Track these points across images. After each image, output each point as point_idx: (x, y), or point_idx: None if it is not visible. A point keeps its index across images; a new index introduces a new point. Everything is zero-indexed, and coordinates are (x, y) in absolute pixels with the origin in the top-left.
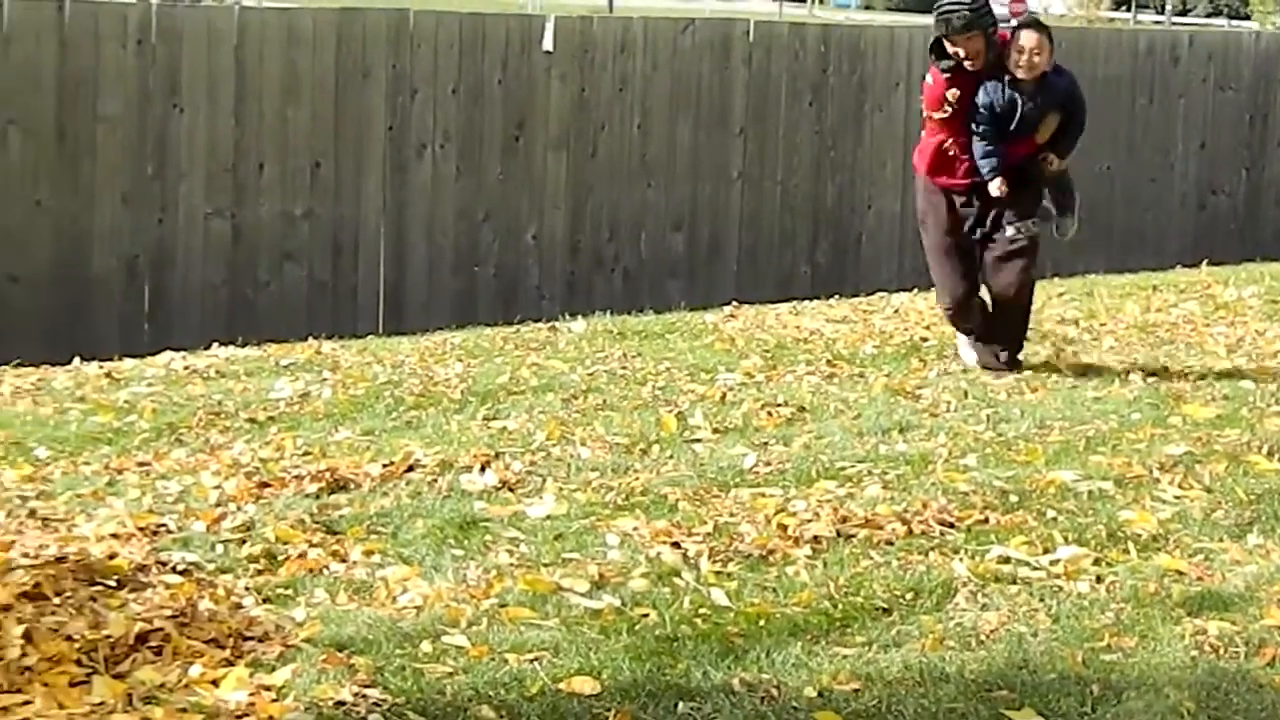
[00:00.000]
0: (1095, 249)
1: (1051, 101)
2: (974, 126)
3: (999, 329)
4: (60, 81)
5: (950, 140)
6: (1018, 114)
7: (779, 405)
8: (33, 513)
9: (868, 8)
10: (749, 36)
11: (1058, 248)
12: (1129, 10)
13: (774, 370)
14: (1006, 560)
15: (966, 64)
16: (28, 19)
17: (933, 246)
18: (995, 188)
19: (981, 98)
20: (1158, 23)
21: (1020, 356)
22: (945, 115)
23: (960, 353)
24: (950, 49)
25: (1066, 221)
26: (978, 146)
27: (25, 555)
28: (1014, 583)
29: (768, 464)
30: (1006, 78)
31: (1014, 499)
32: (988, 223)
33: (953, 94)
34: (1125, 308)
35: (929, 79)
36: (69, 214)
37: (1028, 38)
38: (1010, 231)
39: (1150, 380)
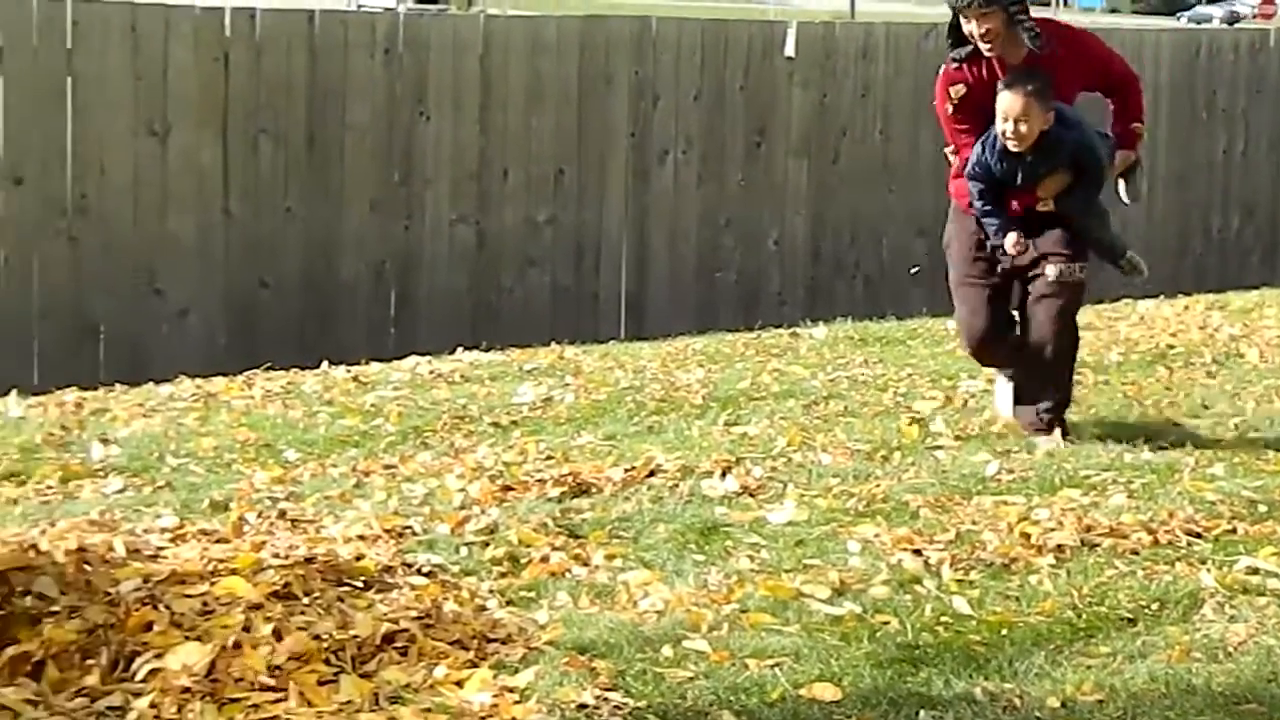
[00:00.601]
0: None
1: (1057, 161)
2: (970, 183)
3: (1037, 381)
4: (310, 90)
5: (958, 158)
6: (1018, 179)
7: None
8: (282, 514)
9: (1113, 11)
10: None
11: None
12: None
13: None
14: (1255, 571)
15: (982, 46)
16: (279, 29)
17: (953, 279)
18: (1011, 245)
19: (977, 153)
20: None
21: (1065, 417)
22: (950, 115)
23: (996, 403)
24: (965, 27)
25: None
26: (976, 205)
27: (275, 555)
28: (1262, 594)
29: (1010, 471)
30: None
31: (1263, 509)
32: (1026, 260)
33: (956, 90)
34: None
35: (941, 72)
36: (319, 221)
37: (1009, 104)
38: (1052, 271)
39: None
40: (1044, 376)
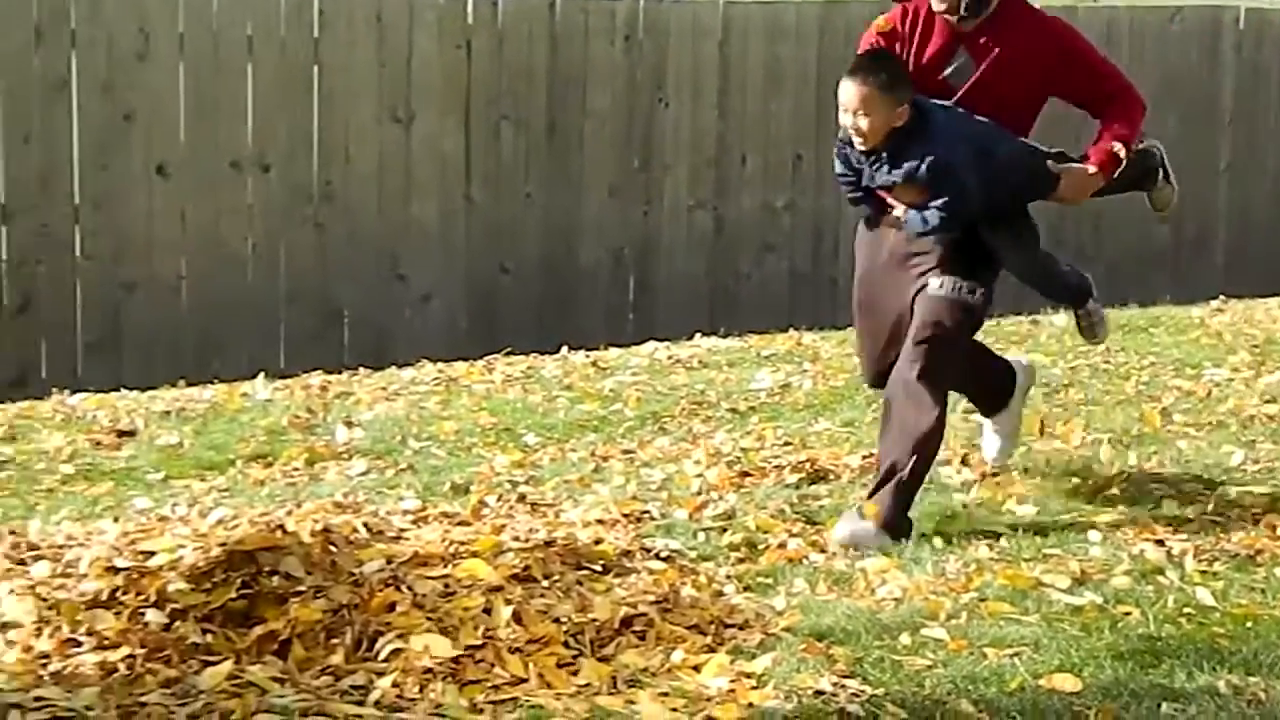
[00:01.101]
0: None
1: (906, 173)
2: (837, 173)
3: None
4: (551, 77)
5: None
6: (872, 180)
7: (1268, 402)
8: (522, 497)
9: None
10: (1239, 24)
11: None
12: None
13: (1263, 366)
14: None
15: None
16: (520, 17)
17: (854, 299)
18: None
19: (837, 147)
20: None
21: (889, 520)
22: None
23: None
24: None
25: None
26: (848, 197)
27: (515, 538)
28: None
29: (1256, 462)
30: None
31: None
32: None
33: (880, 34)
34: None
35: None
36: (559, 207)
37: (842, 93)
38: (934, 285)
39: None
40: (887, 433)
